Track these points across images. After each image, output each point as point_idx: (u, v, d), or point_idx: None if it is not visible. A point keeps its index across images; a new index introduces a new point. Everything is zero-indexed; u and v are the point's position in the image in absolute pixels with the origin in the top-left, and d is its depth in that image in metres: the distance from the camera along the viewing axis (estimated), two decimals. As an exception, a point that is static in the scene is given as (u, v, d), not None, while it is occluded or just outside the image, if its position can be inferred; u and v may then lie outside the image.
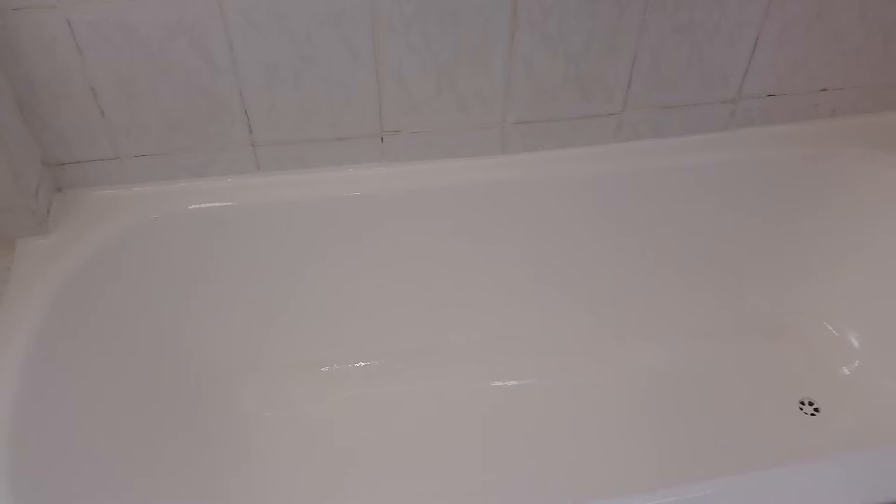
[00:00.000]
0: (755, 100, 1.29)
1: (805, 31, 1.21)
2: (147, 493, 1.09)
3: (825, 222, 1.37)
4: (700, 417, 1.33)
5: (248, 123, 1.14)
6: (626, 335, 1.44)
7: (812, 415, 1.34)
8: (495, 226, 1.28)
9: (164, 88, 1.09)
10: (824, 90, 1.31)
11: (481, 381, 1.39)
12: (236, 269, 1.24)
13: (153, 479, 1.12)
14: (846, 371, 1.38)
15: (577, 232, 1.33)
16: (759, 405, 1.35)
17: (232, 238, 1.21)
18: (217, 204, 1.17)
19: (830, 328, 1.43)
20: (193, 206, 1.17)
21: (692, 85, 1.24)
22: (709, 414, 1.34)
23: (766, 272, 1.43)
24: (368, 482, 1.24)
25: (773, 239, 1.39)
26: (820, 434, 1.31)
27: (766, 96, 1.29)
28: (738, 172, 1.31)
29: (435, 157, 1.24)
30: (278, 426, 1.31)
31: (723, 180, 1.31)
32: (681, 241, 1.37)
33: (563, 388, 1.38)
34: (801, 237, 1.39)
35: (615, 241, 1.35)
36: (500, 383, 1.39)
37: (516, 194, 1.26)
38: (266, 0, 1.03)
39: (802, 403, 1.35)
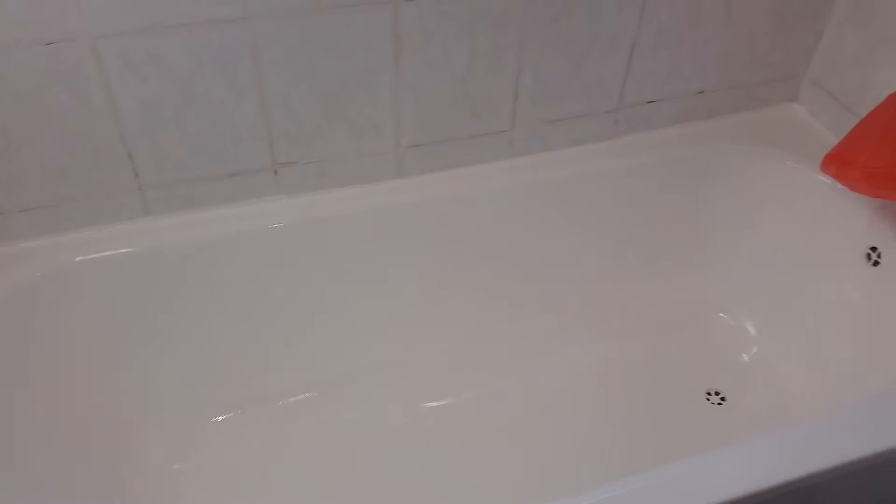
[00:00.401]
0: (636, 107, 1.34)
1: (677, 38, 1.28)
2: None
3: (712, 217, 1.44)
4: (613, 416, 1.37)
5: (133, 167, 1.12)
6: (538, 342, 1.46)
7: (719, 404, 1.39)
8: (397, 249, 1.29)
9: (43, 139, 1.05)
10: (701, 93, 1.37)
11: (412, 403, 1.38)
12: (131, 317, 1.20)
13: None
14: (746, 358, 1.45)
15: (478, 247, 1.35)
16: (668, 399, 1.40)
17: (124, 286, 1.17)
18: (105, 253, 1.14)
19: (727, 318, 1.50)
20: (80, 258, 1.12)
21: (574, 98, 1.28)
22: (621, 412, 1.37)
23: (662, 270, 1.49)
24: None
25: (665, 237, 1.45)
26: (728, 421, 1.36)
27: (645, 103, 1.35)
28: (625, 178, 1.36)
29: (332, 186, 1.24)
30: (193, 478, 1.26)
31: (612, 187, 1.36)
32: (580, 247, 1.42)
33: (484, 401, 1.39)
34: (691, 234, 1.46)
35: (516, 253, 1.38)
36: (432, 404, 1.39)
37: (415, 216, 1.27)
38: (142, 42, 1.01)
39: (709, 394, 1.41)
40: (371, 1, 1.05)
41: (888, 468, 1.01)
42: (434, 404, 1.39)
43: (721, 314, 1.50)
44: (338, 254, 1.27)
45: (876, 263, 1.25)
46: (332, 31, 1.07)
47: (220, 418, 1.33)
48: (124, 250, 1.15)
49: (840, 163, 1.23)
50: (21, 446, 1.07)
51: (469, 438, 1.34)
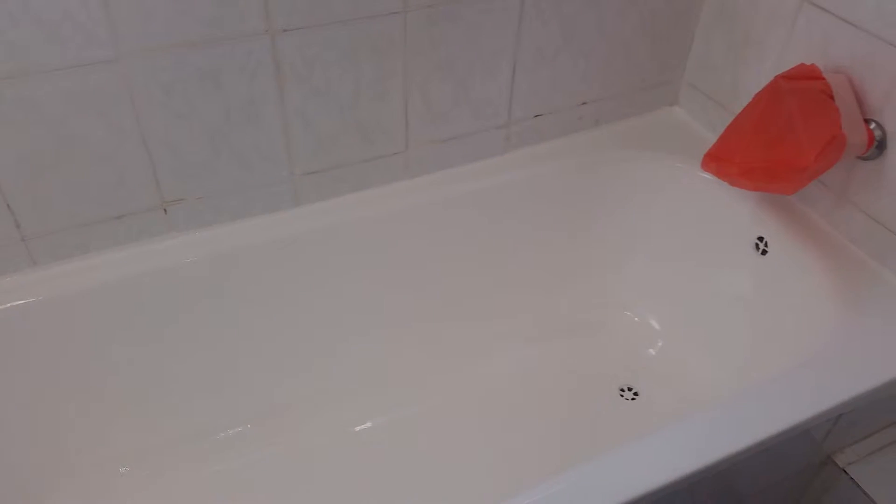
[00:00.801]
0: (525, 122, 1.38)
1: (555, 54, 1.32)
2: None
3: (608, 221, 1.49)
4: (534, 421, 1.40)
5: (13, 218, 1.08)
6: (456, 356, 1.48)
7: (633, 399, 1.44)
8: (300, 278, 1.29)
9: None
10: (585, 103, 1.43)
11: (341, 429, 1.38)
12: (29, 369, 1.16)
13: None
14: (653, 352, 1.51)
15: (384, 269, 1.36)
16: (585, 400, 1.43)
17: (16, 340, 1.13)
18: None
19: (632, 315, 1.55)
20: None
21: (464, 117, 1.31)
22: (541, 416, 1.40)
23: (567, 275, 1.53)
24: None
25: (567, 244, 1.49)
26: (643, 416, 1.41)
27: (533, 117, 1.39)
28: (521, 190, 1.40)
29: (226, 220, 1.23)
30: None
31: (509, 200, 1.40)
32: (486, 260, 1.44)
33: (409, 418, 1.40)
34: (590, 238, 1.51)
35: (423, 271, 1.40)
36: (361, 427, 1.38)
37: (315, 244, 1.27)
38: (9, 89, 0.97)
39: (622, 390, 1.45)
40: (246, 34, 1.06)
41: (792, 444, 1.07)
42: (363, 427, 1.39)
43: (626, 312, 1.55)
44: (239, 288, 1.25)
45: (764, 252, 1.32)
46: (210, 65, 1.06)
47: (134, 466, 1.29)
48: (12, 304, 1.11)
49: (718, 161, 1.29)
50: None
51: (398, 456, 1.34)
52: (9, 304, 1.11)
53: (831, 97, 1.15)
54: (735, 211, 1.35)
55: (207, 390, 1.32)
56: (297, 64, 1.12)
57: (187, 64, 1.05)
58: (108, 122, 1.05)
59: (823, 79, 1.17)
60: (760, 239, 1.32)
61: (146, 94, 1.05)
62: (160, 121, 1.08)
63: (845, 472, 1.18)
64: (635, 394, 1.45)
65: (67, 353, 1.18)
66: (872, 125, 1.16)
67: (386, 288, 1.39)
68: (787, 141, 1.17)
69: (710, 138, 1.44)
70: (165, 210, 1.17)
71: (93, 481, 1.26)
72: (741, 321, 1.38)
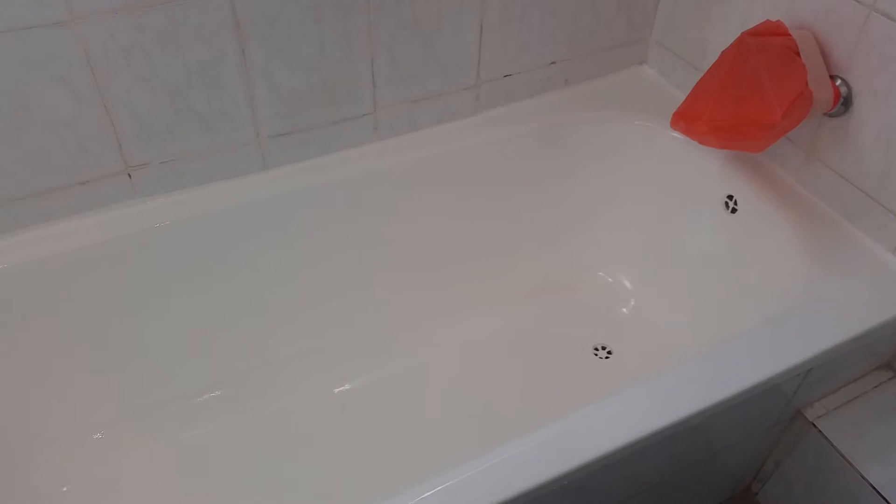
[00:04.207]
0: (494, 82, 1.37)
1: (522, 12, 1.31)
2: None
3: (579, 182, 1.49)
4: (510, 381, 1.41)
5: (-29, 186, 1.06)
6: (432, 318, 1.48)
7: (606, 358, 1.45)
8: (273, 243, 1.28)
9: None
10: (553, 63, 1.42)
11: (321, 391, 1.38)
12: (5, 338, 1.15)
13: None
14: (626, 311, 1.52)
15: (356, 232, 1.35)
16: (559, 358, 1.45)
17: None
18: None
19: (605, 276, 1.56)
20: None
21: (433, 76, 1.30)
22: (516, 377, 1.41)
23: (540, 237, 1.53)
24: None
25: (539, 206, 1.49)
26: (617, 373, 1.42)
27: (502, 77, 1.38)
28: (492, 152, 1.39)
29: (193, 184, 1.21)
30: (87, 498, 1.22)
31: (480, 161, 1.39)
32: (459, 223, 1.44)
33: (388, 380, 1.41)
34: (562, 200, 1.50)
35: (395, 235, 1.39)
36: (343, 388, 1.39)
37: (286, 207, 1.26)
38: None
39: (596, 349, 1.47)
40: (204, -8, 1.04)
41: (762, 399, 1.08)
42: (342, 389, 1.39)
43: (600, 273, 1.56)
44: (210, 252, 1.24)
45: (734, 211, 1.33)
46: (167, 26, 1.04)
47: (112, 432, 1.29)
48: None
49: (687, 119, 1.29)
50: None
51: (376, 417, 1.36)
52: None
53: (797, 54, 1.15)
54: (705, 170, 1.36)
55: (183, 356, 1.32)
56: (258, 21, 1.09)
57: (144, 26, 1.03)
58: (67, 85, 1.03)
59: (789, 35, 1.17)
60: (730, 197, 1.33)
61: (103, 56, 1.03)
62: (119, 84, 1.06)
63: (814, 425, 1.19)
64: (609, 352, 1.46)
65: (42, 322, 1.17)
66: (838, 81, 1.16)
67: (357, 251, 1.38)
68: (755, 98, 1.16)
69: (679, 97, 1.44)
70: (130, 175, 1.16)
71: (67, 449, 1.25)
72: (712, 279, 1.39)
